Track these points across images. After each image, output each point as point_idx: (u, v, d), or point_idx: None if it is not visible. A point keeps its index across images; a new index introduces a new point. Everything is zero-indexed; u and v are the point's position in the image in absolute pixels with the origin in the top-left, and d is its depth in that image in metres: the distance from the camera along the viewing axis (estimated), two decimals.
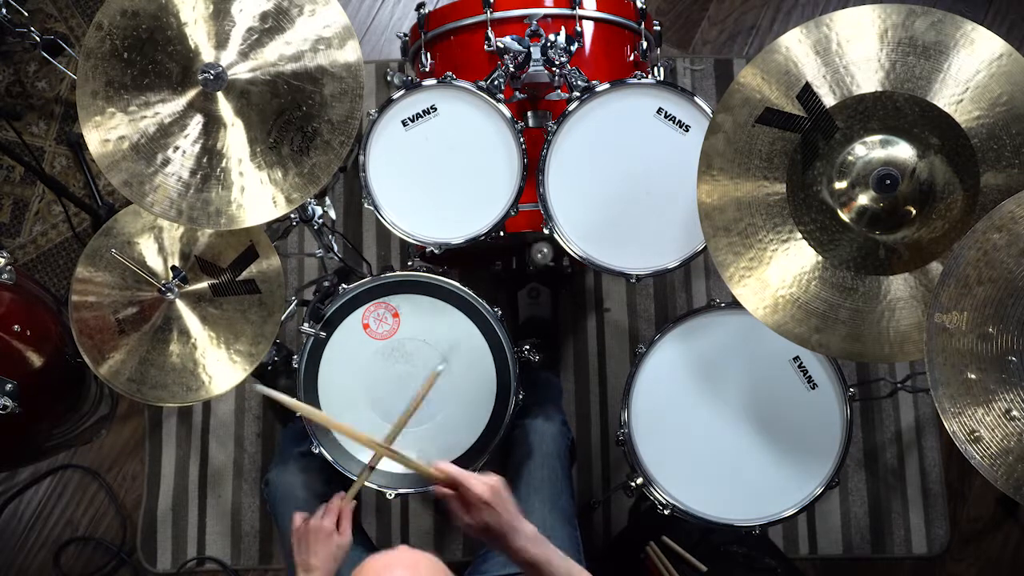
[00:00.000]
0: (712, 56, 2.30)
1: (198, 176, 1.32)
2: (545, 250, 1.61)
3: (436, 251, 1.49)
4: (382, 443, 1.24)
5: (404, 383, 1.47)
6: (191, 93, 1.31)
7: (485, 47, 1.54)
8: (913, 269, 1.23)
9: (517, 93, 1.51)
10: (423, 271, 1.49)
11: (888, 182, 1.19)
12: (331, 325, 1.47)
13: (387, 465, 1.41)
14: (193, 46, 1.30)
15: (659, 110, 1.44)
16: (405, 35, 1.76)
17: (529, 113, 1.54)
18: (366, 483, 1.46)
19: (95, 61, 1.30)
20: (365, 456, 1.46)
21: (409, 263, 1.70)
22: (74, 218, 2.21)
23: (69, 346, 1.60)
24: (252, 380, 1.42)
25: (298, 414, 1.47)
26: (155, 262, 1.46)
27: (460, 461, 1.46)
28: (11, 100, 2.32)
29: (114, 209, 2.14)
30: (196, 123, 1.32)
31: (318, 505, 1.48)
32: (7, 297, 1.56)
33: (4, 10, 1.99)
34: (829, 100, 1.22)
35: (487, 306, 1.46)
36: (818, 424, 1.45)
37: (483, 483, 1.12)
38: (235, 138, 1.32)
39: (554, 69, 1.44)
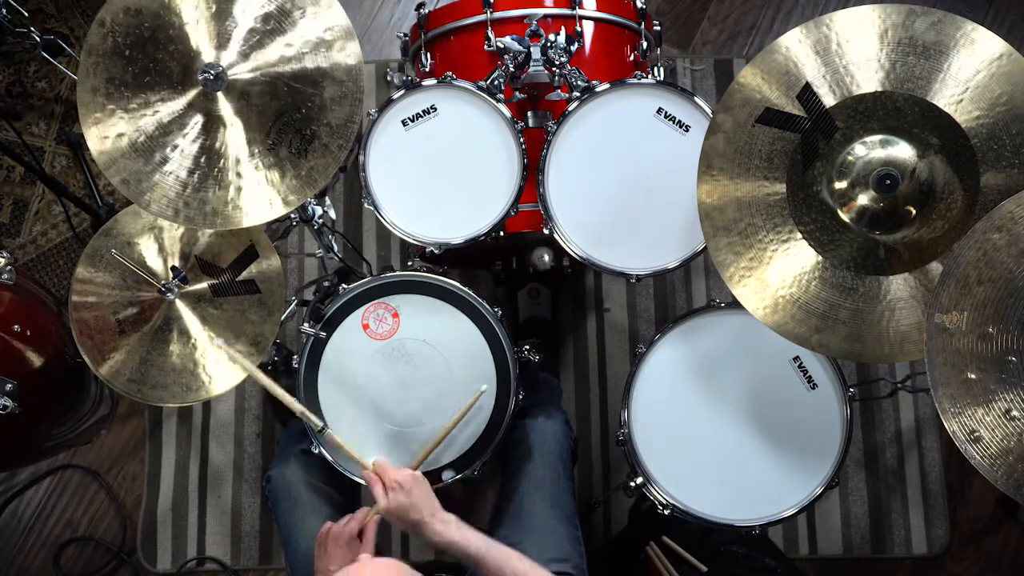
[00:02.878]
0: (712, 56, 2.30)
1: (196, 175, 1.32)
2: (546, 257, 1.61)
3: (436, 251, 1.50)
4: (321, 427, 1.38)
5: (405, 383, 1.47)
6: (191, 92, 1.31)
7: (485, 47, 1.54)
8: (913, 269, 1.23)
9: (517, 93, 1.51)
10: (423, 271, 1.49)
11: (888, 182, 1.19)
12: (331, 325, 1.46)
13: None
14: (194, 46, 1.30)
15: (659, 110, 1.44)
16: (405, 35, 1.76)
17: (529, 113, 1.54)
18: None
19: (96, 58, 1.30)
20: (371, 459, 1.46)
21: (409, 263, 1.70)
22: (74, 218, 2.21)
23: (69, 346, 1.60)
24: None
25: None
26: (155, 262, 1.46)
27: (460, 461, 1.46)
28: (11, 100, 2.32)
29: (114, 209, 2.14)
30: (195, 122, 1.32)
31: (318, 502, 1.49)
32: (7, 297, 1.56)
33: (4, 10, 1.99)
34: (829, 100, 1.22)
35: (487, 306, 1.46)
36: (818, 424, 1.45)
37: (399, 471, 1.29)
38: (234, 138, 1.32)
39: (554, 69, 1.44)
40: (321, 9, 1.30)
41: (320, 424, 1.38)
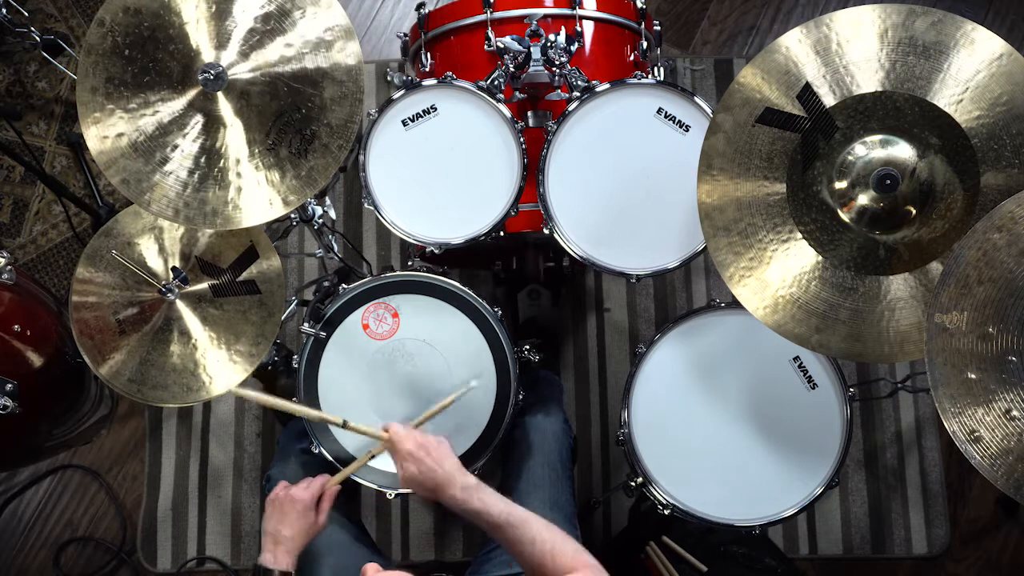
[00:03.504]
0: (712, 56, 2.30)
1: (196, 176, 1.32)
2: (542, 270, 1.62)
3: (436, 251, 1.50)
4: (343, 422, 1.32)
5: (404, 383, 1.47)
6: (191, 92, 1.31)
7: (485, 47, 1.54)
8: (913, 269, 1.23)
9: (517, 93, 1.51)
10: (423, 271, 1.49)
11: (888, 182, 1.19)
12: (331, 325, 1.47)
13: (387, 465, 1.41)
14: (194, 45, 1.30)
15: (659, 110, 1.44)
16: (405, 35, 1.76)
17: (529, 113, 1.54)
18: (367, 483, 1.46)
19: (96, 57, 1.30)
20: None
21: (409, 263, 1.70)
22: (74, 218, 2.22)
23: (69, 346, 1.60)
24: (250, 383, 1.42)
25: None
26: (155, 263, 1.46)
27: (460, 461, 1.46)
28: (11, 100, 2.32)
29: (114, 209, 2.14)
30: (195, 122, 1.32)
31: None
32: (7, 297, 1.56)
33: (4, 10, 1.99)
34: (829, 100, 1.22)
35: (487, 306, 1.46)
36: (818, 424, 1.45)
37: (411, 437, 1.25)
38: (234, 138, 1.32)
39: (554, 69, 1.44)
40: (321, 9, 1.30)
41: (341, 420, 1.34)
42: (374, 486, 1.46)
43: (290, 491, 1.29)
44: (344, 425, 1.34)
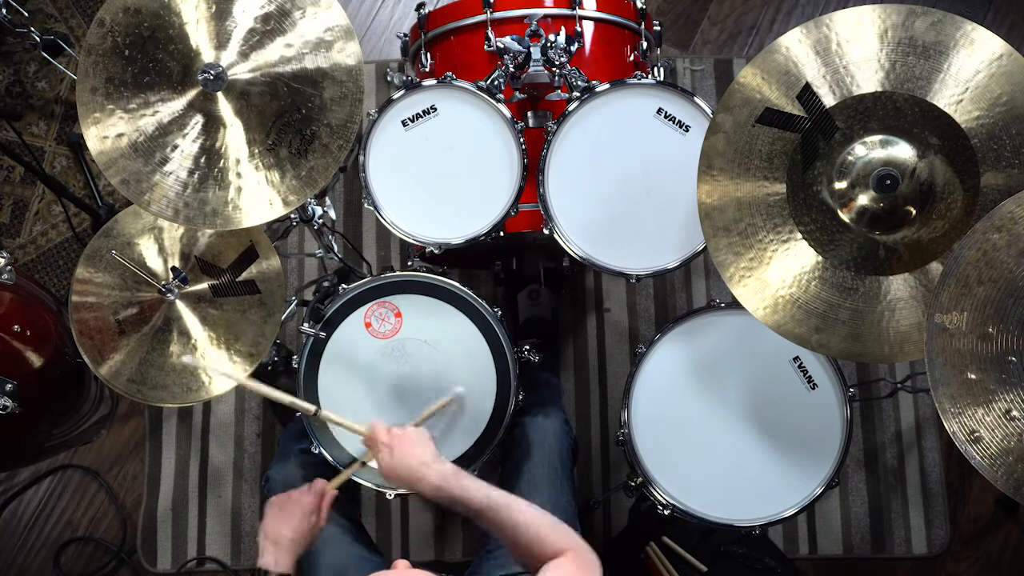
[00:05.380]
0: (712, 56, 2.30)
1: (196, 176, 1.32)
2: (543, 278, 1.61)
3: (436, 251, 1.50)
4: (314, 411, 1.35)
5: (404, 383, 1.47)
6: (191, 92, 1.31)
7: (485, 47, 1.54)
8: (913, 269, 1.23)
9: (517, 93, 1.51)
10: (423, 271, 1.49)
11: (888, 182, 1.19)
12: (331, 325, 1.47)
13: None
14: (194, 45, 1.30)
15: (659, 110, 1.44)
16: (405, 35, 1.76)
17: (529, 113, 1.54)
18: (366, 483, 1.46)
19: (96, 57, 1.30)
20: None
21: (409, 263, 1.70)
22: (74, 218, 2.22)
23: (69, 346, 1.60)
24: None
25: (297, 413, 1.48)
26: (155, 263, 1.46)
27: (460, 461, 1.46)
28: (11, 100, 2.32)
29: (114, 209, 2.14)
30: (195, 123, 1.32)
31: None
32: (7, 297, 1.56)
33: (4, 10, 1.99)
34: (829, 100, 1.22)
35: (487, 306, 1.46)
36: (818, 424, 1.45)
37: (384, 429, 1.27)
38: (234, 139, 1.32)
39: (554, 69, 1.44)
40: (321, 9, 1.30)
41: (312, 408, 1.35)
42: (373, 486, 1.46)
43: (291, 494, 1.29)
44: (315, 414, 1.34)
